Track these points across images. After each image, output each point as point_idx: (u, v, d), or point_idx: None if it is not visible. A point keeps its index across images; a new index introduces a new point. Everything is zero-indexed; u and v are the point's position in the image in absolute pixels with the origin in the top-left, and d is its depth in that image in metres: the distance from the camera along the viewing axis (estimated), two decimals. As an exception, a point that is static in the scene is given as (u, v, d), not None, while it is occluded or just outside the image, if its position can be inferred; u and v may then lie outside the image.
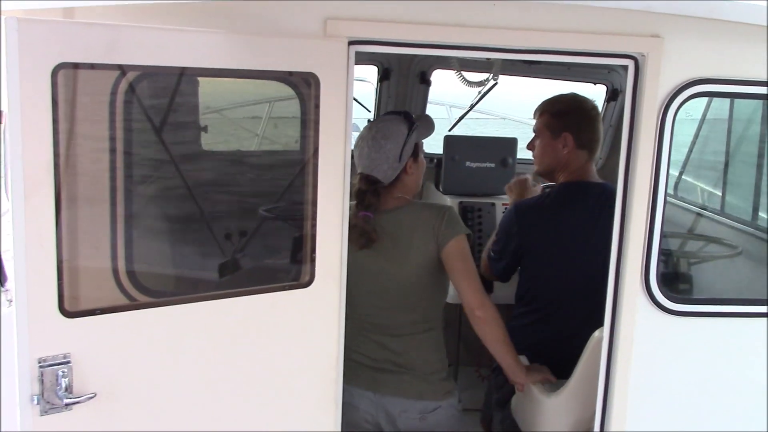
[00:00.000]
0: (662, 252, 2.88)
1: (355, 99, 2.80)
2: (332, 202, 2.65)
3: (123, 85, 2.62)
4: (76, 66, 2.20)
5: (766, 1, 2.50)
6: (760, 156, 4.29)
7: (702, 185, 5.01)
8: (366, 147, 3.22)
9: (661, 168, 2.79)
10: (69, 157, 2.27)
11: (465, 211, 4.54)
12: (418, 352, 3.28)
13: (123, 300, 2.66)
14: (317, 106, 2.56)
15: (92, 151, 2.51)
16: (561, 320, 3.52)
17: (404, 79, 5.20)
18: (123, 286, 2.69)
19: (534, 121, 3.81)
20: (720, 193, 4.68)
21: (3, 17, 2.07)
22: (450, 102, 7.74)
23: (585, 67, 4.93)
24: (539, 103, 3.79)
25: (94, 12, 2.44)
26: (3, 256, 2.97)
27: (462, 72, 4.60)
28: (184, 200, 2.89)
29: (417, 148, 3.29)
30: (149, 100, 2.77)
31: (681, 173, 4.91)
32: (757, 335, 3.02)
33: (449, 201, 4.59)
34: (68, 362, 2.29)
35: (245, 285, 2.69)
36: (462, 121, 5.73)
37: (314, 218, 2.64)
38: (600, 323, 2.99)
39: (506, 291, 3.90)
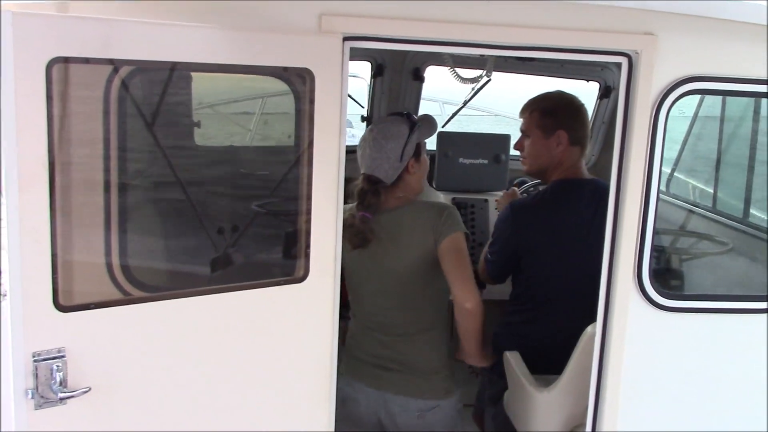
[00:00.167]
0: (654, 248, 2.90)
1: (348, 95, 2.81)
2: (327, 198, 2.65)
3: (117, 80, 2.61)
4: (71, 60, 2.19)
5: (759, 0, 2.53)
6: (752, 153, 4.31)
7: (693, 182, 5.04)
8: (368, 148, 3.26)
9: (654, 165, 2.81)
10: (63, 152, 2.26)
11: (458, 207, 4.54)
12: (420, 352, 3.31)
13: (117, 294, 2.66)
14: (312, 102, 2.56)
15: (87, 146, 2.51)
16: (557, 317, 3.53)
17: (398, 76, 5.20)
18: (117, 281, 2.68)
19: (521, 120, 3.76)
20: (711, 190, 4.70)
21: (-2, 11, 2.07)
22: (443, 98, 7.76)
23: (578, 65, 4.94)
24: (525, 102, 3.74)
25: (88, 6, 2.42)
26: None
27: (455, 69, 4.60)
28: (179, 195, 2.89)
29: (419, 147, 3.32)
30: (144, 94, 2.76)
31: (673, 170, 4.93)
32: (749, 331, 3.05)
33: (442, 197, 4.61)
34: (63, 356, 2.29)
35: (240, 280, 2.69)
36: (455, 117, 5.74)
37: (309, 213, 2.64)
38: (596, 319, 3.01)
39: (499, 287, 3.91)
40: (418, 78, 5.21)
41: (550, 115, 3.62)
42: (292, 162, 2.75)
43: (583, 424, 3.12)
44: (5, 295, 2.23)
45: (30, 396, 2.27)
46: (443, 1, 2.61)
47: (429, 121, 3.42)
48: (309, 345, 2.75)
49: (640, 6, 2.69)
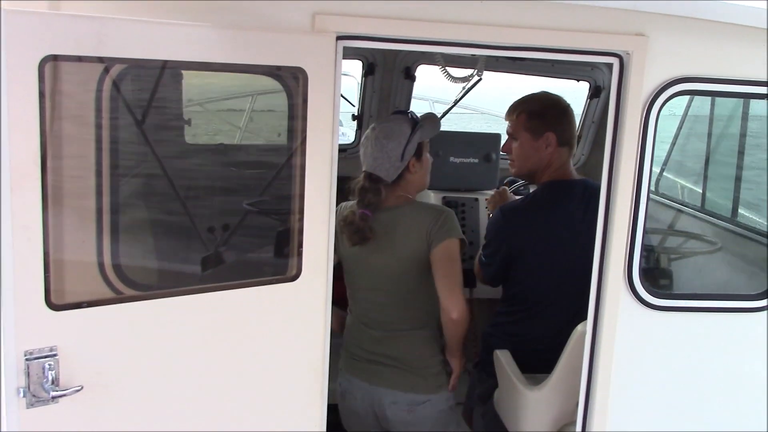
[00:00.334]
0: (644, 248, 2.92)
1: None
2: (320, 196, 2.65)
3: (109, 78, 2.60)
4: (63, 58, 2.18)
5: (745, 1, 2.55)
6: (740, 153, 4.34)
7: (682, 182, 5.07)
8: (369, 146, 3.29)
9: (644, 165, 2.83)
10: (55, 150, 2.26)
11: (448, 206, 4.55)
12: (412, 348, 3.34)
13: (109, 293, 2.65)
14: (305, 101, 2.56)
15: (79, 145, 2.50)
16: (548, 317, 3.54)
17: (389, 74, 5.20)
18: (109, 279, 2.68)
19: (507, 123, 3.75)
20: (700, 190, 4.73)
21: (-10, 8, 2.05)
22: (433, 97, 7.77)
23: (568, 64, 4.96)
24: (511, 104, 3.73)
25: (81, 4, 2.42)
26: None
27: (446, 68, 4.61)
28: (171, 194, 2.88)
29: (421, 147, 3.35)
30: (136, 93, 2.75)
31: (662, 170, 4.95)
32: (738, 330, 3.08)
33: (433, 195, 4.61)
34: (55, 355, 2.29)
35: (233, 278, 2.69)
36: (445, 116, 5.75)
37: (301, 212, 2.64)
38: (586, 318, 3.03)
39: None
40: (409, 77, 5.21)
41: (537, 116, 3.60)
42: (284, 160, 2.75)
43: (573, 422, 3.14)
44: None
45: (22, 395, 2.26)
46: (437, 1, 2.62)
47: (432, 120, 3.43)
48: (301, 344, 2.75)
49: (631, 7, 2.70)
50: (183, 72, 2.94)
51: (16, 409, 2.27)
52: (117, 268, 2.69)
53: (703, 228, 4.38)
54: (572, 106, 3.74)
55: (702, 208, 4.60)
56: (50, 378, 2.28)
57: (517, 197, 4.14)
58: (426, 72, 5.27)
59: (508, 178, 4.67)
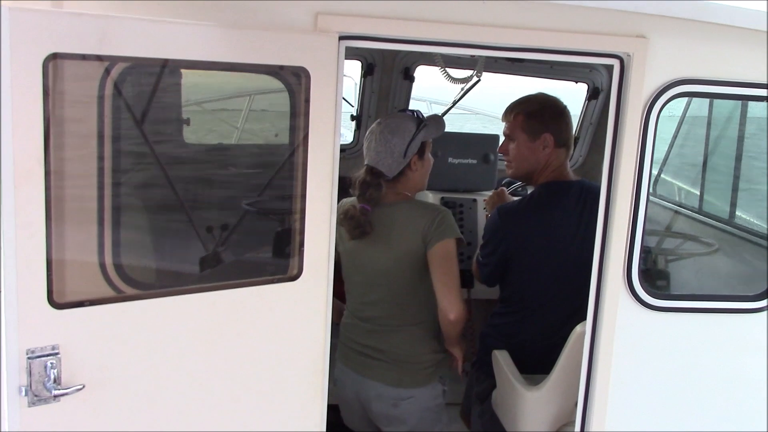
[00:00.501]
0: (643, 249, 2.94)
1: None
2: (321, 196, 2.66)
3: (112, 76, 2.60)
4: (67, 57, 2.18)
5: (746, 4, 2.56)
6: (738, 155, 4.35)
7: (680, 184, 5.08)
8: (374, 141, 3.33)
9: (644, 166, 2.84)
10: (59, 148, 2.26)
11: (447, 206, 4.56)
12: (402, 344, 3.36)
13: (110, 292, 2.65)
14: (307, 101, 2.57)
15: (82, 144, 2.50)
16: (546, 318, 3.55)
17: (388, 75, 5.21)
18: (110, 278, 2.68)
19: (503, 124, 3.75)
20: (698, 192, 4.75)
21: (-5, 6, 2.05)
22: (431, 98, 7.77)
23: (567, 66, 4.97)
24: (508, 105, 3.74)
25: (83, 2, 2.42)
26: None
27: (446, 68, 4.62)
28: (173, 193, 2.88)
29: (424, 146, 3.39)
30: (139, 91, 2.75)
31: (660, 171, 4.97)
32: (737, 330, 3.09)
33: (431, 196, 4.62)
34: (57, 353, 2.29)
35: (234, 278, 2.69)
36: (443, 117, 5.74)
37: (303, 212, 2.65)
38: (584, 318, 3.04)
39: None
40: (408, 77, 5.22)
41: (535, 118, 3.61)
42: (288, 160, 2.75)
43: (572, 423, 3.15)
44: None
45: (23, 393, 2.26)
46: (439, 1, 2.62)
47: (437, 121, 3.48)
48: (302, 343, 2.75)
49: (632, 9, 2.71)
50: (182, 71, 2.94)
51: (17, 408, 2.27)
52: (118, 267, 2.69)
53: (700, 229, 4.39)
54: (570, 107, 3.75)
55: (700, 210, 4.61)
56: (52, 376, 2.27)
57: (515, 198, 4.15)
58: (424, 73, 5.29)
59: (507, 179, 4.68)
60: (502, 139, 3.79)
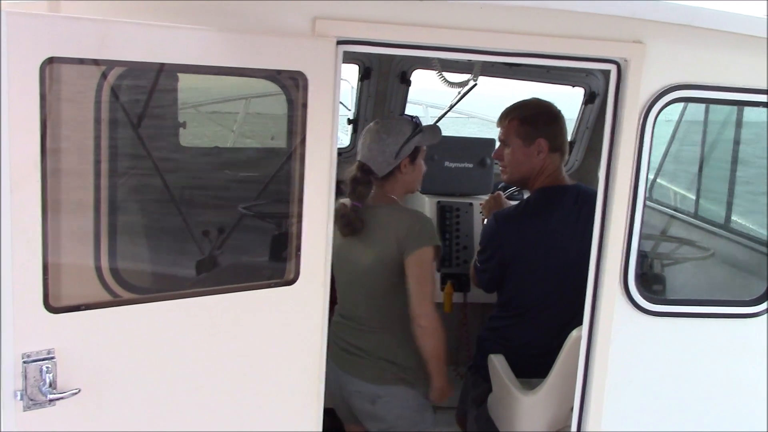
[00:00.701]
0: (639, 253, 2.94)
1: None
2: (318, 200, 2.66)
3: (109, 80, 2.60)
4: (65, 61, 2.18)
5: (742, 10, 2.57)
6: (734, 160, 4.36)
7: (675, 188, 5.09)
8: (368, 138, 3.40)
9: (641, 171, 2.85)
10: (55, 152, 2.25)
11: (443, 210, 4.58)
12: (382, 343, 3.39)
13: (107, 296, 2.64)
14: (305, 105, 2.56)
15: (79, 147, 2.49)
16: (544, 322, 3.55)
17: (384, 79, 5.21)
18: (106, 283, 2.67)
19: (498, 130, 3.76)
20: (693, 196, 4.76)
21: (-9, 10, 2.05)
22: (428, 102, 7.78)
23: (563, 70, 4.98)
24: (502, 110, 3.74)
25: (81, 6, 2.41)
26: None
27: (443, 73, 4.62)
28: (169, 197, 2.88)
29: (417, 151, 3.45)
30: (136, 95, 2.75)
31: (656, 176, 4.98)
32: (733, 336, 3.09)
33: (427, 200, 4.62)
34: (52, 358, 2.28)
35: (231, 282, 2.69)
36: (440, 120, 5.75)
37: (300, 216, 2.64)
38: (581, 323, 3.04)
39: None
40: (405, 81, 5.23)
41: (529, 123, 3.62)
42: (285, 164, 2.75)
43: (568, 427, 3.15)
44: None
45: (19, 397, 2.25)
46: (437, 6, 2.63)
47: (434, 130, 3.55)
48: (298, 347, 2.75)
49: (629, 14, 2.72)
50: (178, 75, 2.94)
51: (12, 412, 2.26)
52: (114, 271, 2.69)
53: (696, 234, 4.40)
54: (566, 111, 3.76)
55: (695, 215, 4.62)
56: (48, 381, 2.27)
57: (512, 202, 4.15)
58: (421, 76, 5.29)
59: (503, 183, 4.68)
60: (498, 143, 3.80)
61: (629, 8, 2.68)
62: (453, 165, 4.70)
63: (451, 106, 5.19)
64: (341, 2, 2.58)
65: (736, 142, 4.29)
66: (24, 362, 2.24)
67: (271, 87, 3.27)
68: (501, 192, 4.33)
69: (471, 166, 4.71)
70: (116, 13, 2.39)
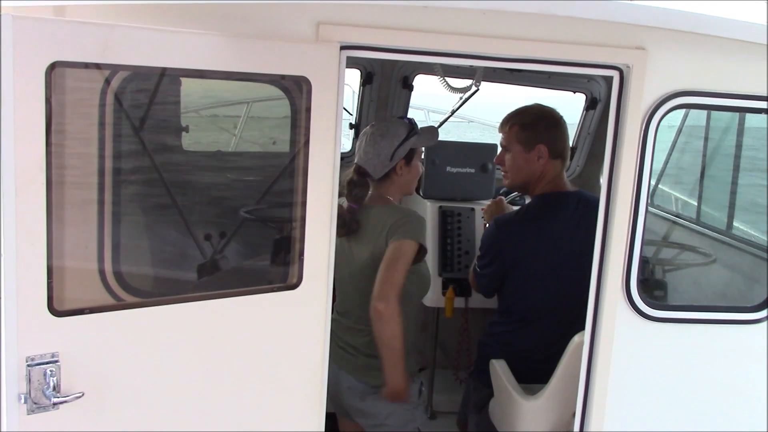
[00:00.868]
0: (641, 259, 2.95)
1: None
2: (322, 204, 2.66)
3: (113, 85, 2.61)
4: (70, 65, 2.19)
5: (744, 17, 2.58)
6: (736, 166, 4.37)
7: (677, 194, 5.10)
8: (365, 141, 3.44)
9: (643, 177, 2.85)
10: (60, 156, 2.26)
11: (445, 215, 4.58)
12: (374, 342, 3.34)
13: (110, 300, 2.65)
14: (308, 110, 2.57)
15: (84, 152, 2.50)
16: (544, 328, 3.56)
17: (386, 84, 5.22)
18: (110, 286, 2.68)
19: (501, 135, 3.76)
20: (695, 202, 4.76)
21: (-2, 14, 2.06)
22: (429, 107, 7.79)
23: (565, 76, 4.99)
24: (504, 116, 3.76)
25: (86, 11, 2.42)
26: None
27: (445, 78, 4.63)
28: (172, 202, 2.88)
29: (413, 153, 3.47)
30: (139, 99, 2.76)
31: (657, 181, 4.98)
32: (735, 342, 3.10)
33: (429, 205, 4.63)
34: (56, 361, 2.28)
35: (235, 286, 2.69)
36: (442, 125, 5.76)
37: (303, 220, 2.65)
38: (583, 328, 3.04)
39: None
40: (407, 86, 5.24)
41: (529, 129, 3.63)
42: (289, 169, 2.76)
43: (570, 430, 3.15)
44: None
45: (23, 401, 2.25)
46: (440, 12, 2.64)
47: (430, 131, 3.58)
48: (301, 352, 2.75)
49: (631, 21, 2.73)
50: (181, 79, 2.95)
51: (16, 416, 2.26)
52: (118, 275, 2.69)
53: (698, 240, 4.40)
54: (567, 117, 3.76)
55: (697, 220, 4.62)
56: (51, 384, 2.27)
57: (514, 207, 4.16)
58: (422, 81, 5.31)
59: (505, 189, 4.69)
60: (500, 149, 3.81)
61: (632, 15, 2.69)
62: (455, 170, 4.71)
63: (453, 111, 5.19)
64: (345, 8, 2.59)
65: (738, 148, 4.30)
66: (28, 365, 2.25)
67: (274, 91, 3.27)
68: (503, 197, 4.34)
69: (473, 171, 4.72)
70: (120, 18, 2.40)
